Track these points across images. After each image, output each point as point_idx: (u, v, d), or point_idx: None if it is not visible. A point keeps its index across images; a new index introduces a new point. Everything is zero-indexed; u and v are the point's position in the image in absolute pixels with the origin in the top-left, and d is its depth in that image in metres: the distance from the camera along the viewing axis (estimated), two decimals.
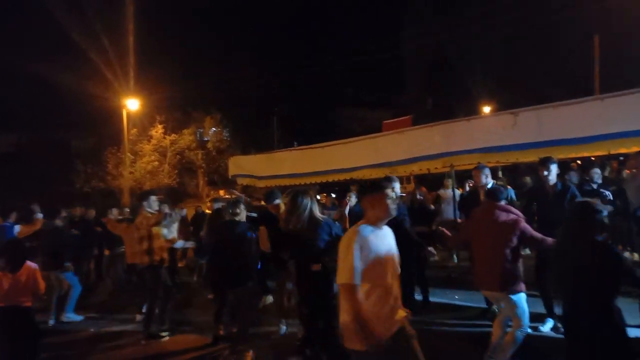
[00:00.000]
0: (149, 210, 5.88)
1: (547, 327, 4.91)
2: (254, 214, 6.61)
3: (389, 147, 7.76)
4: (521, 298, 3.93)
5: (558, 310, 4.91)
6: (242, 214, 4.89)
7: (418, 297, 6.35)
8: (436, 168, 8.24)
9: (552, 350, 4.49)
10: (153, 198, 6.09)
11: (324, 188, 8.45)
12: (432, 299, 6.58)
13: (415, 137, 7.61)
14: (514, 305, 3.91)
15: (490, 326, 5.07)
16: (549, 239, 3.84)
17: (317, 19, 56.61)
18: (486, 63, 26.60)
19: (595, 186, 5.58)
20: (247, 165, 10.61)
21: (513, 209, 4.06)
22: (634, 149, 7.60)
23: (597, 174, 5.66)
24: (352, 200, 6.00)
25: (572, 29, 22.84)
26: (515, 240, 3.88)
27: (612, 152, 7.50)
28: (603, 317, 2.73)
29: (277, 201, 5.40)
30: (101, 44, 24.07)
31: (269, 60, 40.14)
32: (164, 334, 5.85)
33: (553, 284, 3.15)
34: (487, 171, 5.80)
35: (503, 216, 3.92)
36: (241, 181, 10.99)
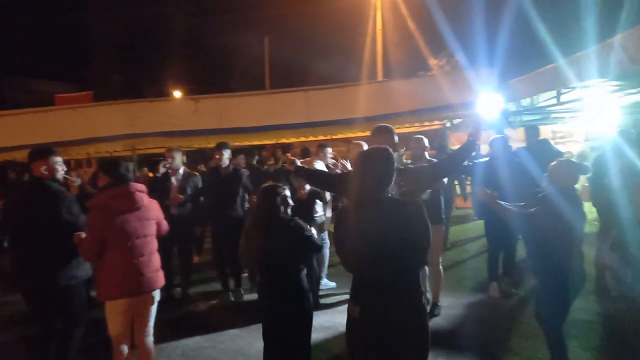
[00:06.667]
0: None
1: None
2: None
3: (59, 124, 6.73)
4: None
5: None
6: None
7: None
8: (116, 151, 7.70)
9: None
10: None
11: None
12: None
13: (92, 115, 6.85)
14: (153, 308, 3.15)
15: None
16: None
17: None
18: (177, 50, 26.51)
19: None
20: None
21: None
22: (292, 139, 9.08)
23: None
24: None
25: (248, 29, 25.52)
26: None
27: (277, 141, 8.78)
28: (287, 294, 2.86)
29: None
30: None
31: None
32: None
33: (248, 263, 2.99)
34: (178, 154, 5.53)
35: (145, 198, 3.17)
36: None
